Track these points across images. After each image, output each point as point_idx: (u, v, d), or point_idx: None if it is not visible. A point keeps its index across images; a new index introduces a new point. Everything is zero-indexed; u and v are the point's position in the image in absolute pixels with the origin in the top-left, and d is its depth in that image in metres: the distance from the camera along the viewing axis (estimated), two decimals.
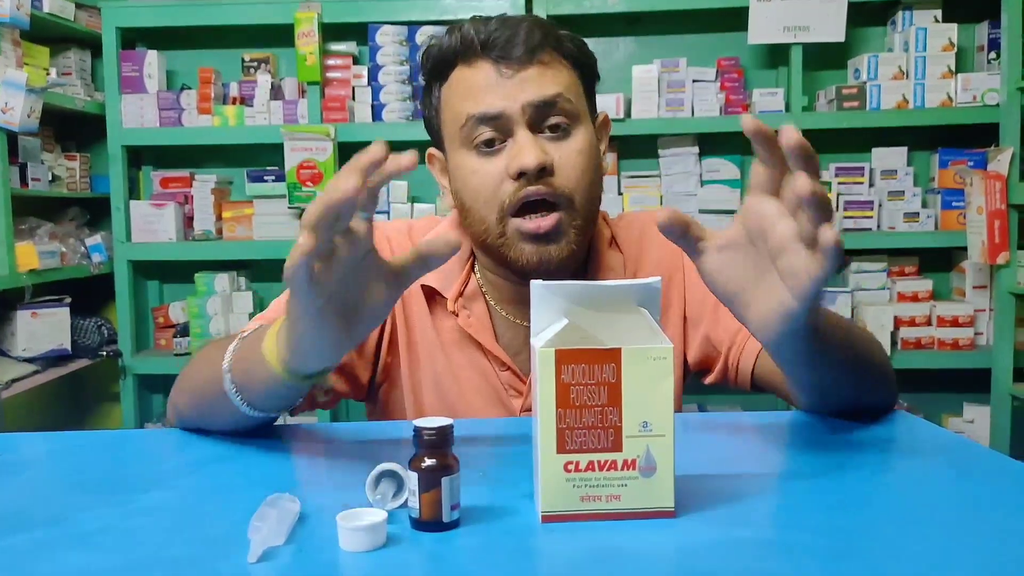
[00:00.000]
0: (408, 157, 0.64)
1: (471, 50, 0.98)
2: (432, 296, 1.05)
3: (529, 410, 1.02)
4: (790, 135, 0.62)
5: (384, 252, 1.06)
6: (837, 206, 2.71)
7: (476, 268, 1.07)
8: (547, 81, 0.97)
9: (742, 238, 0.70)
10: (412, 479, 0.59)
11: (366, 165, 0.62)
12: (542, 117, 0.96)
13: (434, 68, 1.02)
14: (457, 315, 1.04)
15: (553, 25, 1.01)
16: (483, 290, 1.06)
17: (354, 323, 0.69)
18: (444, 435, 0.60)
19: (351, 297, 0.68)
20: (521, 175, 0.94)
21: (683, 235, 0.71)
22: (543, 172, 0.95)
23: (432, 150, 1.07)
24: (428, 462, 0.59)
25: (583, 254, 1.05)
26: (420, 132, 1.11)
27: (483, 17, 1.00)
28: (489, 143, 0.97)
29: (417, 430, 0.60)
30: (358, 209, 0.63)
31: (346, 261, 0.65)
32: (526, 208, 0.96)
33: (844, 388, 0.85)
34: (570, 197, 0.97)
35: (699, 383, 1.11)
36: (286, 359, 0.72)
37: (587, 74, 1.04)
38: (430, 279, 1.04)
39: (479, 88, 0.97)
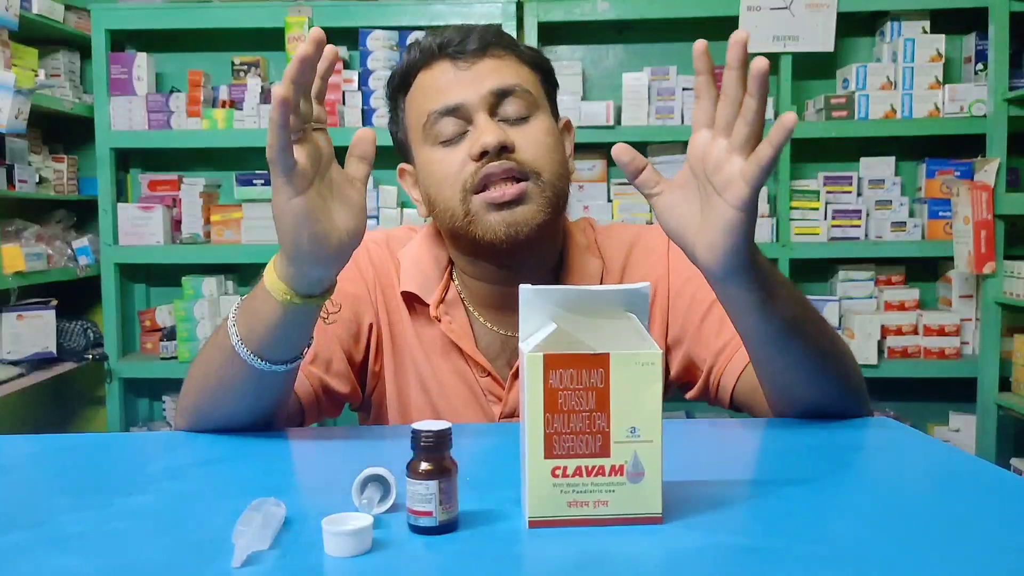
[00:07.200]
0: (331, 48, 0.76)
1: (429, 54, 1.01)
2: (412, 303, 1.05)
3: (509, 416, 1.03)
4: (761, 66, 0.71)
5: (362, 263, 1.07)
6: (825, 215, 2.72)
7: (455, 275, 1.07)
8: (504, 72, 1.00)
9: (688, 175, 0.79)
10: (409, 483, 0.59)
11: (317, 38, 0.74)
12: (500, 104, 0.99)
13: (399, 83, 1.05)
14: (440, 321, 1.04)
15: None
16: (462, 296, 1.06)
17: (337, 230, 0.77)
18: (442, 439, 0.60)
19: (327, 203, 0.77)
20: (483, 155, 0.96)
21: (636, 175, 0.79)
22: (504, 150, 0.96)
23: (403, 165, 1.08)
24: (425, 466, 0.59)
25: (556, 237, 1.05)
26: None
27: (439, 27, 1.05)
28: (452, 136, 0.99)
29: (415, 433, 0.60)
30: (310, 121, 0.75)
31: (314, 156, 0.75)
32: (490, 186, 0.97)
33: (806, 365, 0.86)
34: (536, 171, 0.98)
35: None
36: (286, 274, 0.78)
37: (546, 78, 1.06)
38: (410, 285, 1.05)
39: (438, 85, 1.00)
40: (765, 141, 0.72)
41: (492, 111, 0.98)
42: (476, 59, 0.99)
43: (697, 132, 0.77)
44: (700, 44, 0.73)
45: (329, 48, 0.75)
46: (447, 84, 0.99)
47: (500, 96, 0.98)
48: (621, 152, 0.78)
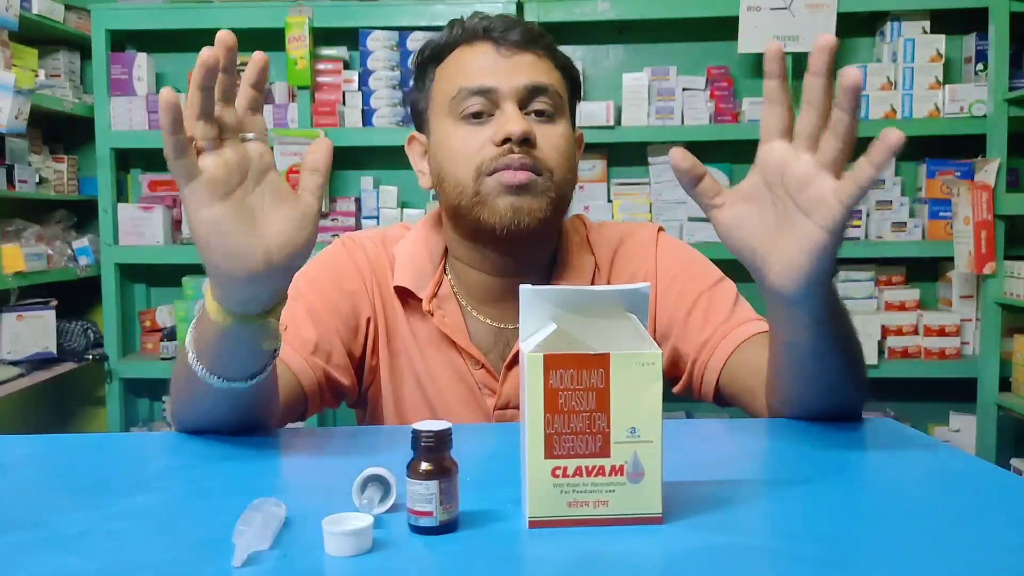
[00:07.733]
0: (258, 55, 0.71)
1: (473, 34, 1.03)
2: (406, 297, 1.06)
3: (503, 408, 1.04)
4: (853, 78, 0.65)
5: (360, 260, 1.08)
6: None
7: (448, 269, 1.08)
8: (541, 70, 1.03)
9: (759, 187, 0.71)
10: (409, 483, 0.59)
11: (223, 40, 0.69)
12: (531, 100, 1.01)
13: (432, 54, 1.06)
14: (432, 315, 1.05)
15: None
16: (455, 290, 1.07)
17: (265, 244, 0.70)
18: (443, 439, 0.60)
19: (256, 215, 0.70)
20: (505, 142, 0.97)
21: (695, 184, 0.73)
22: (526, 143, 0.98)
23: (414, 133, 1.10)
24: (426, 466, 0.59)
25: (552, 237, 1.07)
26: None
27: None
28: (477, 115, 1.01)
29: (415, 433, 0.60)
30: (230, 131, 0.69)
31: (235, 164, 0.69)
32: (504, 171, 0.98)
33: (837, 376, 0.84)
34: (549, 169, 1.00)
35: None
36: (216, 293, 0.73)
37: (573, 88, 1.08)
38: (404, 280, 1.06)
39: (476, 65, 1.02)
40: (865, 160, 0.66)
41: (522, 104, 1.00)
42: (518, 51, 1.02)
43: (770, 141, 0.71)
44: (776, 47, 0.68)
45: (258, 55, 0.71)
46: (485, 66, 1.01)
47: (532, 92, 1.01)
48: (680, 159, 0.71)
